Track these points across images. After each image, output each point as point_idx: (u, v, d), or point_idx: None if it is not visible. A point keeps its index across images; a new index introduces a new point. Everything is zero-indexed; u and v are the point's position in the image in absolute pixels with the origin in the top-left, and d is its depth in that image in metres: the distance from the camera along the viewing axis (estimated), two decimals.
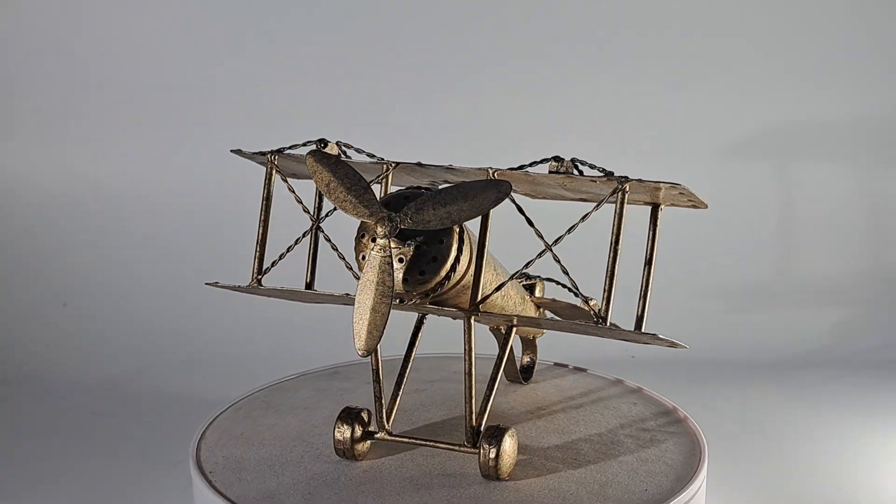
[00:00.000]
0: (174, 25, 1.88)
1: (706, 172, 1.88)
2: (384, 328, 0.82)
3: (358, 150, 0.96)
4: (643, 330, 0.90)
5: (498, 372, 0.96)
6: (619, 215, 0.86)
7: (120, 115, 1.87)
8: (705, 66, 1.91)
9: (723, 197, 1.87)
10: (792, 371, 1.65)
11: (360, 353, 0.82)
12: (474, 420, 0.93)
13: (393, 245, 0.84)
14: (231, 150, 0.97)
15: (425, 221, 0.82)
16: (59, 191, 1.85)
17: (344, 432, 0.96)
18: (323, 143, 0.94)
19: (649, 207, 0.93)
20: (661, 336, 0.87)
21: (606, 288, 0.86)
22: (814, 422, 1.46)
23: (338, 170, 0.85)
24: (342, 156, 0.95)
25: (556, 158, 0.88)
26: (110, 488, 1.24)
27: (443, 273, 0.86)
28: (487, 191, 0.83)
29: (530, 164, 0.89)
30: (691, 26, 1.91)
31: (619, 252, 0.86)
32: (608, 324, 0.88)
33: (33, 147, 1.86)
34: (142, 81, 1.87)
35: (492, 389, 0.95)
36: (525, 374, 1.22)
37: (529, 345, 1.22)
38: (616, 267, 0.86)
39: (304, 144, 0.94)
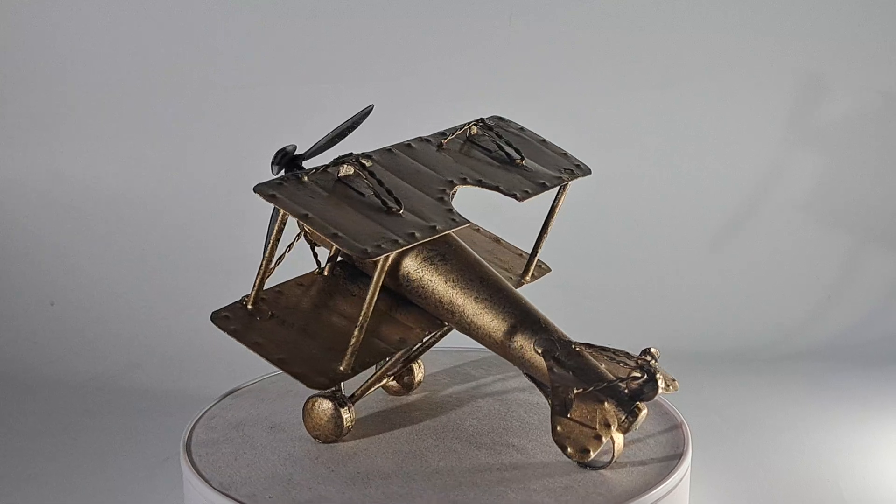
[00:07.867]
0: (164, 22, 1.88)
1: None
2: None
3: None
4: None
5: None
6: None
7: (107, 115, 1.87)
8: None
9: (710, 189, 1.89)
10: (774, 362, 1.66)
11: None
12: None
13: None
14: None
15: None
16: (46, 190, 1.85)
17: None
18: (481, 121, 1.09)
19: None
20: None
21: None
22: (796, 412, 1.47)
23: None
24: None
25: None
26: (99, 487, 1.25)
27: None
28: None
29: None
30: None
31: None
32: None
33: (20, 147, 1.86)
34: (130, 82, 1.87)
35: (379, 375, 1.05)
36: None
37: None
38: None
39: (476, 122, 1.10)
